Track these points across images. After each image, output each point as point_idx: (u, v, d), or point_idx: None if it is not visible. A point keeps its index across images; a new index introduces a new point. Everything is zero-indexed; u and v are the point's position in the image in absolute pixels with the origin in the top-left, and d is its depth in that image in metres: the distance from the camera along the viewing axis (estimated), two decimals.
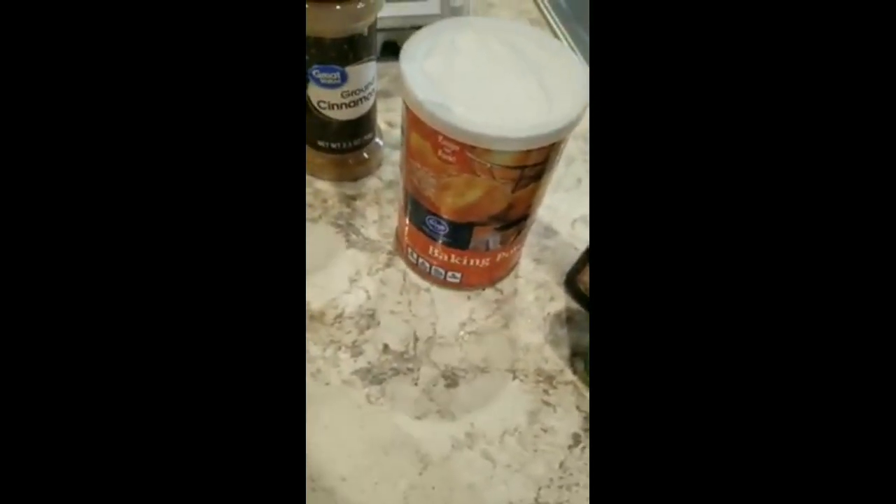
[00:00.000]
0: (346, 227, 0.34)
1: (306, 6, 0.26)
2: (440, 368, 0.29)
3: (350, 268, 0.32)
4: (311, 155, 0.35)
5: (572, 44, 0.48)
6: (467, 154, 0.22)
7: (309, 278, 0.31)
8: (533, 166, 0.23)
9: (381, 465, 0.25)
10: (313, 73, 0.30)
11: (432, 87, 0.23)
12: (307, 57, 0.29)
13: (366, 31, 0.29)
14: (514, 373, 0.29)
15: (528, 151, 0.22)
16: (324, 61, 0.29)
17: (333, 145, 0.34)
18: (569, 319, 0.31)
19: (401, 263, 0.32)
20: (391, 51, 0.42)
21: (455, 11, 0.40)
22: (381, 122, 0.39)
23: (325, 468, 0.25)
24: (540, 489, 0.25)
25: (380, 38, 0.41)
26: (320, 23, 0.27)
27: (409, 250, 0.31)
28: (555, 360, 0.30)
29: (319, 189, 0.35)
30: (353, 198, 0.35)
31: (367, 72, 0.31)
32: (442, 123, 0.22)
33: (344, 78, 0.30)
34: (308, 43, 0.28)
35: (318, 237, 0.33)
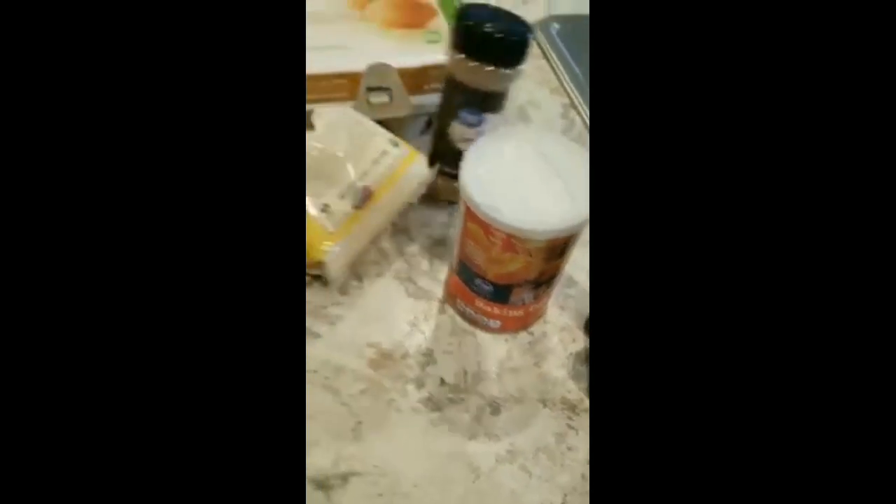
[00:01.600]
0: (405, 280, 0.41)
1: (484, 67, 0.35)
2: (486, 398, 0.36)
3: (410, 314, 0.40)
4: (444, 181, 0.43)
5: (585, 109, 0.55)
6: (511, 240, 0.30)
7: (378, 324, 0.39)
8: (560, 247, 0.31)
9: (443, 475, 0.33)
10: (462, 113, 0.38)
11: (484, 189, 0.30)
12: (456, 101, 0.38)
13: (507, 91, 0.37)
14: (544, 402, 0.36)
15: (555, 238, 0.30)
16: (474, 106, 0.38)
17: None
18: (587, 358, 0.38)
19: (450, 310, 0.40)
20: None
21: None
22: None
23: (401, 478, 0.32)
24: (566, 495, 0.32)
25: (426, 118, 0.49)
26: (483, 78, 0.36)
27: (457, 301, 0.39)
28: (576, 391, 0.37)
29: (383, 248, 0.43)
30: (411, 254, 0.43)
31: (496, 120, 0.39)
32: (492, 219, 0.29)
33: (482, 122, 0.38)
34: (466, 91, 0.37)
35: (384, 288, 0.41)
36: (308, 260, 0.37)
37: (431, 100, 0.47)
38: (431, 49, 0.46)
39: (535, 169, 0.32)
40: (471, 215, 0.31)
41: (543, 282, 0.34)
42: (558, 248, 0.31)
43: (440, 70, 0.46)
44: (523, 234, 0.29)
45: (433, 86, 0.46)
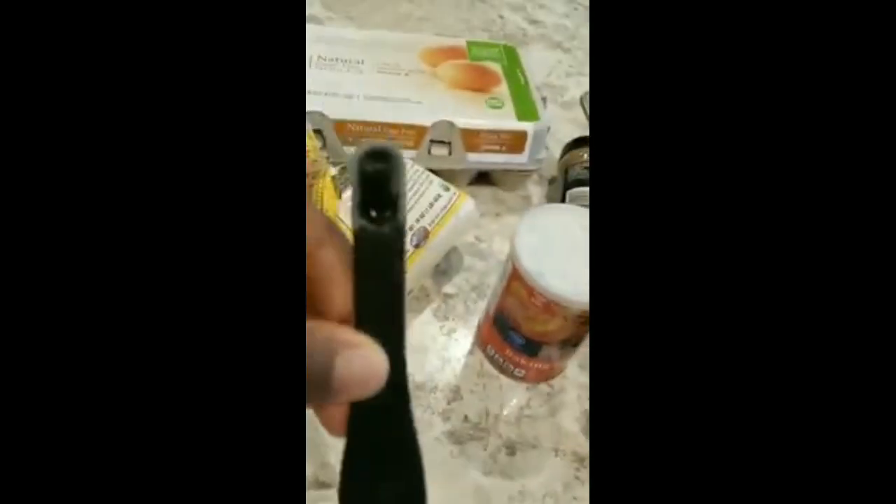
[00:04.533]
0: (442, 319, 0.45)
1: None
2: (503, 439, 0.39)
3: (443, 351, 0.43)
4: None
5: None
6: (550, 304, 0.34)
7: (413, 356, 0.43)
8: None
9: (461, 503, 0.36)
10: None
11: (533, 257, 0.34)
12: None
13: None
14: (556, 451, 0.39)
15: (589, 308, 0.34)
16: None
17: None
18: None
19: (479, 353, 0.44)
20: (483, 178, 0.55)
21: (537, 162, 0.53)
22: (470, 237, 0.51)
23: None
24: None
25: (476, 171, 0.54)
26: None
27: (488, 346, 0.42)
28: (586, 445, 0.40)
29: (424, 286, 0.47)
30: (449, 295, 0.47)
31: None
32: (537, 284, 0.33)
33: None
34: None
35: (421, 324, 0.45)
36: None
37: (485, 158, 0.52)
38: (492, 114, 0.51)
39: (579, 243, 0.36)
40: (516, 276, 0.35)
41: (572, 343, 0.38)
42: (590, 317, 0.35)
43: (495, 134, 0.51)
44: (562, 302, 0.33)
45: (489, 147, 0.51)
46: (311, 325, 0.15)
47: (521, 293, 0.35)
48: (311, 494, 0.35)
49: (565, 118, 0.67)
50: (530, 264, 0.34)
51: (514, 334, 0.39)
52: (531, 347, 0.38)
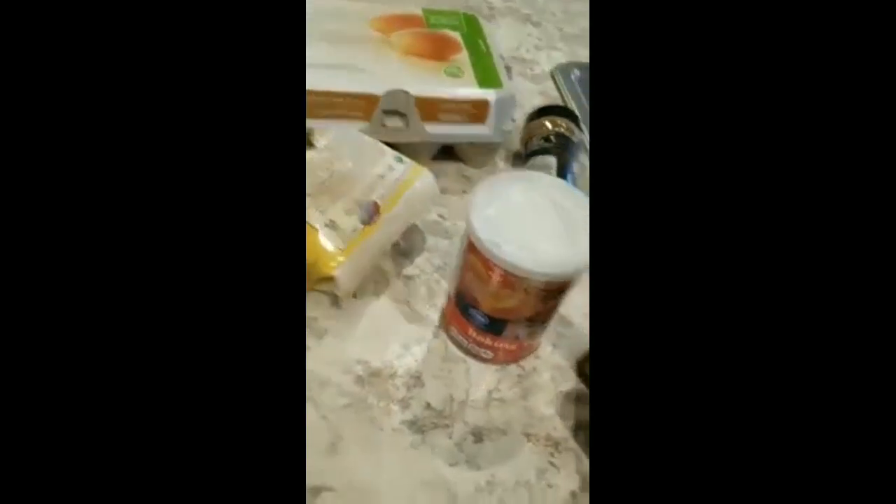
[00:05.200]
0: (402, 303, 0.42)
1: None
2: (470, 426, 0.36)
3: (403, 337, 0.40)
4: None
5: (579, 114, 0.57)
6: (509, 277, 0.31)
7: (369, 342, 0.40)
8: (556, 290, 0.32)
9: (419, 499, 0.33)
10: None
11: (489, 227, 0.31)
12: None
13: None
14: (528, 436, 0.37)
15: (552, 281, 0.31)
16: None
17: None
18: (577, 398, 0.39)
19: (444, 337, 0.41)
20: (446, 153, 0.52)
21: (502, 134, 0.50)
22: (434, 215, 0.48)
23: (375, 498, 0.33)
24: None
25: (439, 144, 0.51)
26: None
27: (451, 328, 0.39)
28: (562, 429, 0.37)
29: (383, 268, 0.44)
30: (410, 277, 0.44)
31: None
32: (493, 255, 0.30)
33: None
34: None
35: (380, 308, 0.42)
36: (316, 276, 0.38)
37: (446, 130, 0.49)
38: (450, 82, 0.47)
39: (540, 213, 0.33)
40: (473, 248, 0.32)
41: (538, 320, 0.35)
42: (555, 291, 0.32)
43: (455, 103, 0.48)
44: (520, 273, 0.30)
45: (449, 117, 0.48)
46: None
47: (478, 267, 0.32)
48: None
49: (535, 91, 0.64)
50: (486, 234, 0.31)
51: (475, 312, 0.36)
52: (495, 326, 0.36)
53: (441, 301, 0.42)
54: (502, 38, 0.67)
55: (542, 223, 0.32)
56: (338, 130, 0.41)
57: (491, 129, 0.49)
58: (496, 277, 0.32)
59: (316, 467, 0.33)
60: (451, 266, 0.45)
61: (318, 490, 0.32)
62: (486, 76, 0.49)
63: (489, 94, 0.47)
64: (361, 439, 0.35)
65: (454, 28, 0.54)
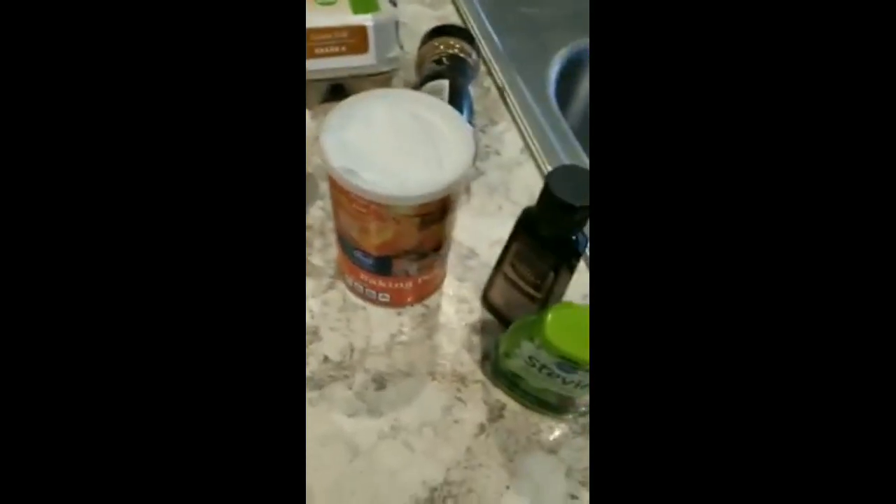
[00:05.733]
0: None
1: None
2: (371, 374, 0.34)
3: None
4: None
5: (499, 76, 0.53)
6: (373, 208, 0.28)
7: None
8: (433, 214, 0.29)
9: (319, 455, 0.31)
10: None
11: (346, 154, 0.28)
12: None
13: None
14: (433, 375, 0.35)
15: (423, 204, 0.28)
16: None
17: None
18: (483, 329, 0.37)
19: (341, 286, 0.38)
20: (337, 92, 0.47)
21: (390, 62, 0.46)
22: (319, 160, 0.44)
23: None
24: (448, 470, 0.31)
25: (326, 84, 0.46)
26: None
27: (346, 276, 0.37)
28: (468, 363, 0.36)
29: None
30: (307, 227, 0.41)
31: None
32: (351, 186, 0.28)
33: None
34: None
35: None
36: None
37: (326, 65, 0.44)
38: (323, 10, 0.43)
39: (405, 133, 0.30)
40: (333, 182, 0.29)
41: (426, 252, 0.33)
42: (432, 216, 0.30)
43: (332, 33, 0.43)
44: (383, 201, 0.28)
45: (327, 50, 0.44)
46: None
47: (342, 200, 0.29)
48: None
49: (432, 17, 0.60)
50: (340, 162, 0.28)
51: (359, 254, 0.33)
52: (382, 265, 0.33)
53: (335, 251, 0.40)
54: None
55: (406, 143, 0.29)
56: None
57: (374, 59, 0.45)
58: (361, 209, 0.29)
59: None
60: None
61: None
62: (360, 2, 0.45)
63: (366, 20, 0.43)
64: None
65: None
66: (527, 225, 0.31)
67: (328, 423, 0.32)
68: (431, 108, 0.31)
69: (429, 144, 0.29)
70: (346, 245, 0.33)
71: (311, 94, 0.47)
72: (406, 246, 0.31)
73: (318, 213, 0.42)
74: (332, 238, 0.40)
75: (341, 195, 0.29)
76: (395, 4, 0.47)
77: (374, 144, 0.29)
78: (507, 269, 0.34)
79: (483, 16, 0.61)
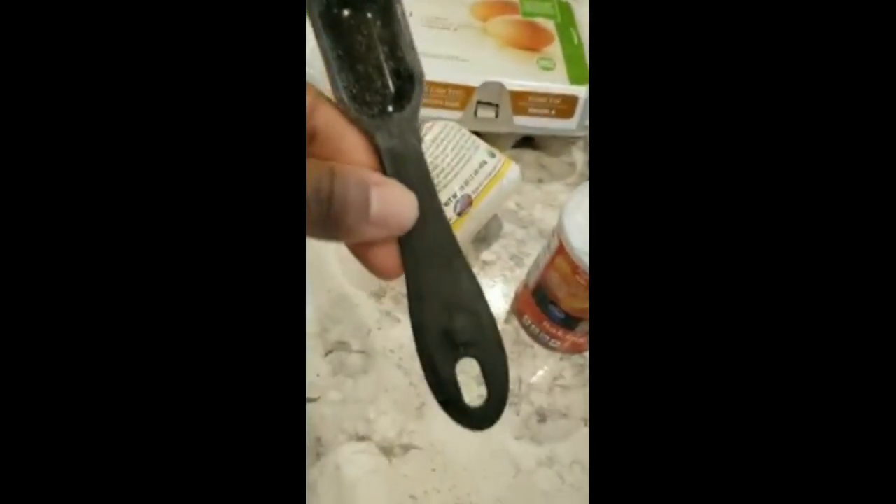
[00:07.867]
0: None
1: None
2: (535, 407, 0.40)
3: None
4: None
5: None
6: None
7: None
8: None
9: (489, 465, 0.38)
10: None
11: (580, 234, 0.34)
12: None
13: None
14: (585, 421, 0.40)
15: None
16: None
17: None
18: None
19: (514, 322, 0.44)
20: (526, 141, 0.54)
21: (585, 129, 0.51)
22: (511, 203, 0.51)
23: (453, 459, 0.37)
24: None
25: (518, 135, 0.52)
26: None
27: (525, 316, 0.43)
28: None
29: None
30: (487, 263, 0.47)
31: None
32: (582, 263, 0.33)
33: None
34: None
35: None
36: None
37: (534, 123, 0.50)
38: (543, 76, 0.49)
39: None
40: (562, 252, 0.35)
41: None
42: None
43: (545, 98, 0.49)
44: None
45: (538, 111, 0.49)
46: (343, 167, 0.17)
47: (565, 270, 0.35)
48: (376, 458, 0.37)
49: None
50: (578, 242, 0.34)
51: (554, 308, 0.39)
52: (570, 322, 0.39)
53: (512, 287, 0.46)
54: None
55: None
56: (442, 125, 0.43)
57: (575, 124, 0.50)
58: (582, 282, 0.34)
59: (405, 427, 0.38)
60: (525, 254, 0.48)
61: (408, 447, 0.37)
62: (578, 71, 0.50)
63: (579, 91, 0.49)
64: None
65: (548, 16, 0.54)
66: None
67: (500, 440, 0.39)
68: None
69: None
70: (543, 297, 0.39)
71: (505, 141, 0.53)
72: None
73: (500, 250, 0.48)
74: (511, 276, 0.46)
75: (567, 266, 0.35)
76: None
77: None
78: None
79: None
